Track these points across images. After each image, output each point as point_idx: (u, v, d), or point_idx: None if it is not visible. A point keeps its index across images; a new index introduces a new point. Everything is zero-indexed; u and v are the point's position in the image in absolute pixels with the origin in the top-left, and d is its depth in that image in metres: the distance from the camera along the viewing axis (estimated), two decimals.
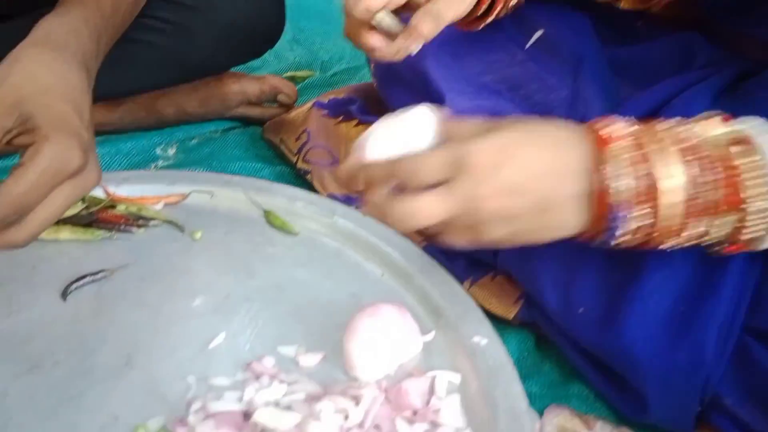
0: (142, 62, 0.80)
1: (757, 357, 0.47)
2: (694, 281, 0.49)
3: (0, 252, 0.49)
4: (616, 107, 0.66)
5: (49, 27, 0.54)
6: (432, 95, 0.70)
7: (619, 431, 0.50)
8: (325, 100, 0.81)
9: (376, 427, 0.47)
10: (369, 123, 0.77)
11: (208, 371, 0.52)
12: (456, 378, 0.52)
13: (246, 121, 0.92)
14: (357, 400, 0.48)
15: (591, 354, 0.53)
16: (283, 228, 0.70)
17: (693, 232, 0.42)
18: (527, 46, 0.72)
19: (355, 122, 0.77)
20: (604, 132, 0.43)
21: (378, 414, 0.47)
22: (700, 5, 0.70)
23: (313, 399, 0.49)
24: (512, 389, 0.50)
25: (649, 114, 0.61)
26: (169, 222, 0.68)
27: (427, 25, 0.54)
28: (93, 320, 0.56)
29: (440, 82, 0.69)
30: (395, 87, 0.73)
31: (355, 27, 0.55)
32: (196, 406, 0.47)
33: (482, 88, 0.69)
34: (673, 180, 0.40)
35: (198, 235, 0.67)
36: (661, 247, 0.43)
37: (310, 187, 0.77)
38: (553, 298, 0.53)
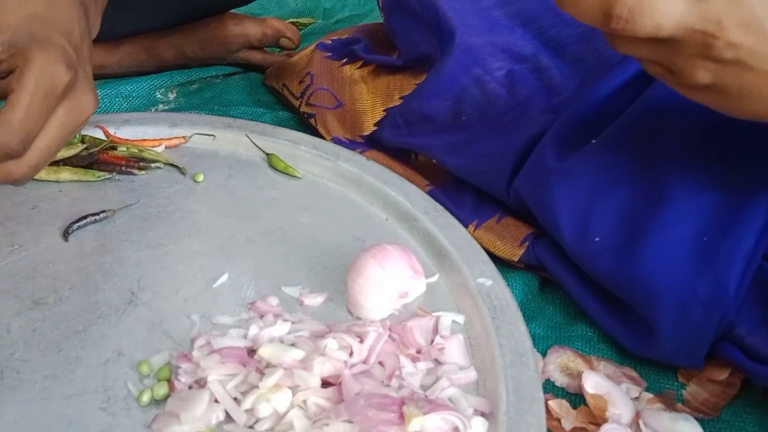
0: (141, 2, 0.78)
1: None
2: (721, 212, 0.48)
3: (1, 188, 0.48)
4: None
5: None
6: (442, 29, 0.69)
7: (623, 371, 0.50)
8: (328, 41, 0.79)
9: (381, 363, 0.47)
10: (374, 63, 0.76)
11: (212, 310, 0.52)
12: (460, 318, 0.52)
13: (247, 67, 0.90)
14: (361, 337, 0.48)
15: (599, 288, 0.52)
16: (286, 171, 0.69)
17: None
18: None
19: (359, 63, 0.76)
20: None
21: (382, 351, 0.47)
22: None
23: (317, 337, 0.48)
24: (516, 329, 0.50)
25: None
26: (171, 164, 0.67)
27: None
28: (96, 258, 0.56)
29: (451, 15, 0.66)
30: (404, 20, 0.71)
31: None
32: (200, 342, 0.47)
33: (494, 23, 0.67)
34: None
35: (200, 177, 0.66)
36: None
37: (313, 132, 0.76)
38: (568, 226, 0.52)
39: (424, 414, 0.41)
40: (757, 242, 0.47)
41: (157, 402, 0.45)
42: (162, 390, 0.45)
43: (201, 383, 0.45)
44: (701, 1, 0.37)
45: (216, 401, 0.44)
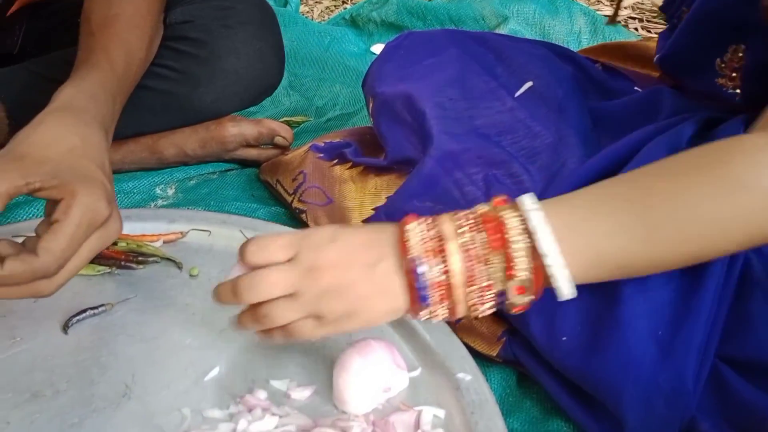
0: (147, 106, 0.84)
1: (731, 384, 0.50)
2: (673, 305, 0.52)
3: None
4: (594, 154, 0.70)
5: (68, 94, 0.59)
6: (425, 134, 0.75)
7: None
8: (321, 143, 0.85)
9: None
10: (362, 165, 0.81)
11: (203, 403, 0.54)
12: (441, 413, 0.55)
13: (243, 163, 0.96)
14: (346, 431, 0.50)
15: (572, 385, 0.55)
16: None
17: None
18: (517, 94, 0.77)
19: (349, 164, 0.81)
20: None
21: None
22: (658, 64, 0.76)
23: (303, 431, 0.51)
24: (495, 424, 0.53)
25: (621, 161, 0.66)
26: (168, 259, 0.71)
27: None
28: (93, 352, 0.58)
29: (435, 122, 0.73)
30: (392, 125, 0.78)
31: None
32: None
33: (472, 131, 0.73)
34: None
35: (195, 271, 0.70)
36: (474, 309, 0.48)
37: (304, 226, 0.80)
38: (537, 327, 0.56)
39: None
40: (711, 333, 0.51)
41: None
42: None
43: None
44: (291, 262, 0.50)
45: None
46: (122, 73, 0.65)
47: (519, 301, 0.47)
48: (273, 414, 0.52)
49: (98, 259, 0.69)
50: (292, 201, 0.84)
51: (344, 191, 0.81)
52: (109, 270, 0.68)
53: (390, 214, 0.74)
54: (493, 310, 0.49)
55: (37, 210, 0.79)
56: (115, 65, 0.64)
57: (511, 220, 0.47)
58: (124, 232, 0.73)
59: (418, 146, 0.78)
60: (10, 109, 0.80)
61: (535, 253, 0.46)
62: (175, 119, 0.88)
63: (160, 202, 0.86)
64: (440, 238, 0.48)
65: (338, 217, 0.80)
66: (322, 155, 0.84)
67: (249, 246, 0.51)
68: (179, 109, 0.86)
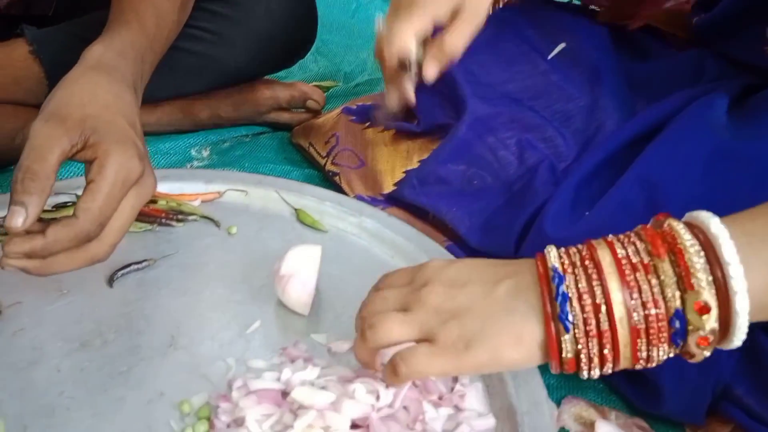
0: (182, 69, 0.85)
1: (765, 349, 0.50)
2: None
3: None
4: (630, 117, 0.69)
5: (98, 52, 0.59)
6: (458, 99, 0.74)
7: (634, 421, 0.52)
8: (353, 106, 0.85)
9: (405, 408, 0.50)
10: (394, 128, 0.82)
11: (246, 354, 0.55)
12: None
13: (275, 127, 0.96)
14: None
15: None
16: (313, 226, 0.73)
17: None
18: (549, 56, 0.76)
19: (381, 127, 0.81)
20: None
21: (406, 397, 0.50)
22: (689, 27, 0.74)
23: (345, 381, 0.52)
24: (532, 379, 0.53)
25: (658, 124, 0.65)
26: (206, 218, 0.72)
27: (434, 69, 0.60)
28: (138, 304, 0.60)
29: (465, 87, 0.72)
30: (423, 92, 0.78)
31: (390, 63, 0.60)
32: (238, 383, 0.51)
33: (504, 95, 0.72)
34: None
35: (233, 230, 0.71)
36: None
37: (337, 188, 0.81)
38: None
39: None
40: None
41: None
42: (202, 428, 0.48)
43: (239, 422, 0.48)
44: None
45: None
46: (152, 33, 0.65)
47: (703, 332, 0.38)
48: (315, 365, 0.53)
49: (140, 217, 0.70)
50: (325, 164, 0.84)
51: (376, 154, 0.81)
52: (150, 227, 0.70)
53: (422, 177, 0.74)
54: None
55: (78, 169, 0.80)
56: (145, 25, 0.65)
57: (680, 230, 0.39)
58: (164, 191, 0.75)
59: (449, 112, 0.78)
60: (47, 69, 0.81)
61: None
62: (209, 81, 0.88)
63: (195, 163, 0.87)
64: (591, 257, 0.40)
65: (371, 180, 0.81)
66: (354, 118, 0.84)
67: (381, 277, 0.50)
68: (214, 70, 0.86)
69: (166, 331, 0.57)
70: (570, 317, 0.39)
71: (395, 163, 0.80)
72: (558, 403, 0.55)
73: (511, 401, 0.52)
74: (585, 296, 0.39)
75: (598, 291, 0.39)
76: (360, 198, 0.79)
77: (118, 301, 0.60)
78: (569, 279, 0.40)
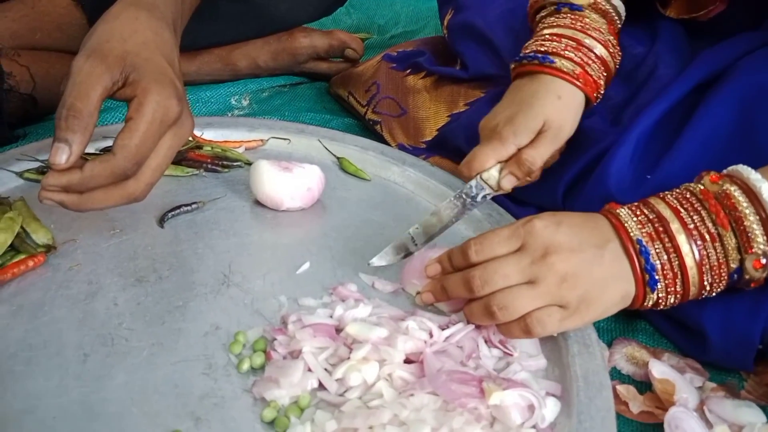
0: (222, 16, 0.84)
1: None
2: None
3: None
4: (688, 64, 0.67)
5: None
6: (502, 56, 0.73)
7: (686, 362, 0.52)
8: (393, 53, 0.84)
9: (460, 347, 0.50)
10: (436, 74, 0.80)
11: (297, 293, 0.56)
12: None
13: (313, 77, 0.96)
14: (440, 323, 0.52)
15: None
16: (356, 174, 0.73)
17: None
18: None
19: (422, 74, 0.80)
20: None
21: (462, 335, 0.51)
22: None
23: (397, 319, 0.52)
24: None
25: (720, 70, 0.63)
26: (251, 164, 0.72)
27: (510, 182, 0.59)
28: (189, 244, 0.61)
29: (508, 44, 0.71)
30: (470, 43, 0.76)
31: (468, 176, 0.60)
32: (293, 318, 0.51)
33: None
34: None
35: None
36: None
37: (378, 137, 0.80)
38: None
39: (503, 389, 0.45)
40: None
41: (254, 370, 0.49)
42: (259, 359, 0.49)
43: (294, 354, 0.49)
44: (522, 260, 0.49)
45: (309, 370, 0.47)
46: None
47: (758, 275, 0.47)
48: (366, 304, 0.54)
49: (186, 162, 0.71)
50: (365, 113, 0.84)
51: (418, 102, 0.80)
52: (197, 172, 0.70)
53: (471, 120, 0.74)
54: (723, 288, 0.49)
55: (123, 115, 0.80)
56: None
57: (737, 194, 0.47)
58: (208, 138, 0.75)
59: (496, 62, 0.77)
60: (90, 15, 0.81)
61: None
62: (249, 29, 0.87)
63: (236, 112, 0.87)
64: (660, 220, 0.48)
65: (412, 128, 0.80)
66: (395, 65, 0.83)
67: (471, 246, 0.51)
68: (254, 18, 0.86)
69: (219, 269, 0.58)
70: (657, 285, 0.48)
71: (438, 108, 0.79)
72: (609, 345, 0.55)
73: (561, 343, 0.52)
74: (666, 266, 0.48)
75: (675, 262, 0.48)
76: (401, 147, 0.79)
77: (170, 240, 0.61)
78: (652, 252, 0.48)
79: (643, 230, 0.49)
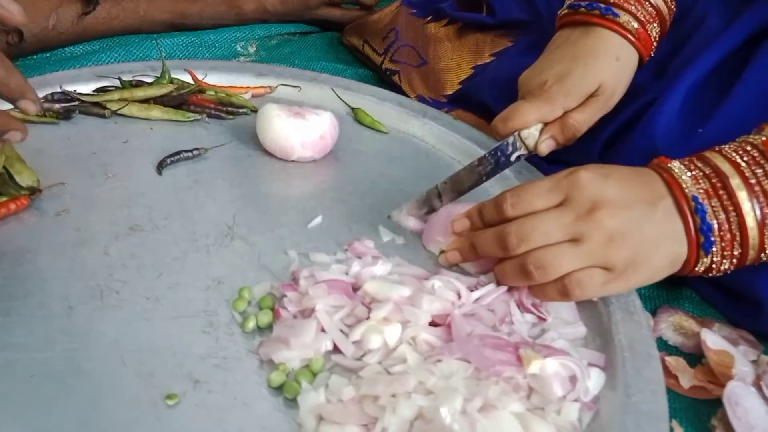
0: None
1: None
2: None
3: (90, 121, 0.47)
4: (737, 13, 0.61)
5: None
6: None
7: (739, 333, 0.47)
8: None
9: (491, 310, 0.45)
10: (460, 22, 0.74)
11: (309, 248, 0.50)
12: None
13: (325, 26, 0.89)
14: (468, 284, 0.47)
15: None
16: (372, 126, 0.67)
17: None
18: None
19: (444, 21, 0.74)
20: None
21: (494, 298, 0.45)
22: None
23: (421, 278, 0.47)
24: None
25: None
26: (258, 111, 0.66)
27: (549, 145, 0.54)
28: (191, 193, 0.55)
29: None
30: None
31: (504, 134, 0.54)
32: (305, 273, 0.46)
33: None
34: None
35: None
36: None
37: (396, 88, 0.74)
38: None
39: (544, 357, 0.40)
40: None
41: (261, 329, 0.43)
42: (266, 318, 0.43)
43: (306, 313, 0.43)
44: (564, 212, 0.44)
45: (323, 331, 0.42)
46: None
47: None
48: (386, 262, 0.48)
49: (187, 106, 0.65)
50: (382, 62, 0.77)
51: (439, 52, 0.74)
52: (199, 118, 0.64)
53: (498, 73, 0.68)
54: None
55: (119, 55, 0.74)
56: None
57: None
58: (212, 82, 0.69)
59: (526, 7, 0.70)
60: None
61: None
62: None
63: (242, 59, 0.81)
64: (718, 175, 0.43)
65: (432, 80, 0.74)
66: (415, 11, 0.77)
67: (507, 199, 0.45)
68: None
69: (222, 221, 0.52)
70: (713, 248, 0.43)
71: (461, 59, 0.73)
72: (652, 314, 0.49)
73: (602, 310, 0.47)
74: (723, 226, 0.43)
75: (734, 221, 0.42)
76: (421, 99, 0.73)
77: (169, 188, 0.55)
78: (709, 210, 0.43)
79: (699, 186, 0.43)
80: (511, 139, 0.54)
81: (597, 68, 0.53)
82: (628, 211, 0.43)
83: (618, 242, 0.43)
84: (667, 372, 0.44)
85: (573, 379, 0.40)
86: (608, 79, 0.53)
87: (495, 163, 0.54)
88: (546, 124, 0.54)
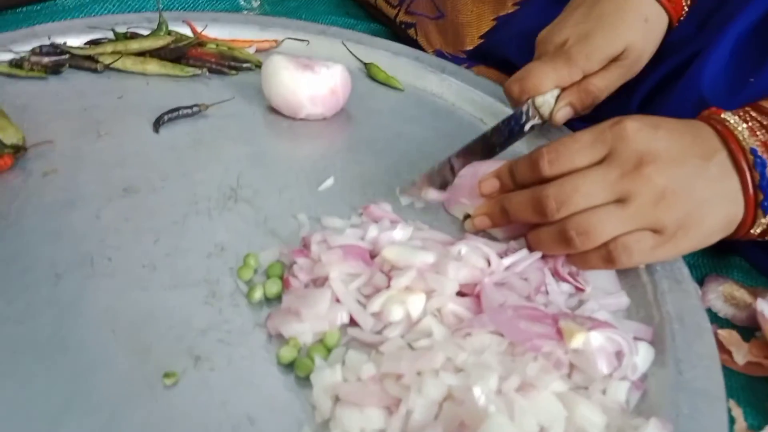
0: None
1: None
2: None
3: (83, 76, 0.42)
4: None
5: None
6: None
7: None
8: None
9: (524, 278, 0.40)
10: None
11: (320, 211, 0.46)
12: None
13: None
14: (498, 249, 0.42)
15: None
16: (386, 82, 0.62)
17: None
18: None
19: None
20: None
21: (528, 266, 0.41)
22: None
23: (446, 244, 0.42)
24: None
25: None
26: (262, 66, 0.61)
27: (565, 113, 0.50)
28: (190, 152, 0.51)
29: None
30: None
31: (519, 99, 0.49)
32: (317, 238, 0.41)
33: None
34: None
35: None
36: None
37: (412, 42, 0.69)
38: None
39: (588, 330, 0.35)
40: None
41: (269, 300, 0.39)
42: (275, 287, 0.39)
43: (319, 282, 0.39)
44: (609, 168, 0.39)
45: (338, 301, 0.38)
46: None
47: None
48: (405, 226, 0.44)
49: (186, 60, 0.60)
50: (397, 14, 0.72)
51: (458, 4, 0.68)
52: (199, 72, 0.59)
53: (522, 25, 0.62)
54: None
55: (113, 6, 0.69)
56: None
57: None
58: (213, 35, 0.64)
59: None
60: None
61: None
62: None
63: (245, 13, 0.75)
64: None
65: (450, 34, 0.68)
66: None
67: (544, 156, 0.40)
68: None
69: (225, 182, 0.48)
70: None
71: (483, 10, 0.67)
72: (699, 284, 0.45)
73: (646, 279, 0.42)
74: None
75: None
76: (439, 54, 0.68)
77: (166, 147, 0.51)
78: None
79: (757, 138, 0.39)
80: (525, 107, 0.49)
81: (623, 29, 0.48)
82: (681, 167, 0.38)
83: (669, 201, 0.38)
84: (720, 346, 0.40)
85: (619, 355, 0.36)
86: (635, 41, 0.48)
87: (509, 132, 0.49)
88: (563, 90, 0.49)
